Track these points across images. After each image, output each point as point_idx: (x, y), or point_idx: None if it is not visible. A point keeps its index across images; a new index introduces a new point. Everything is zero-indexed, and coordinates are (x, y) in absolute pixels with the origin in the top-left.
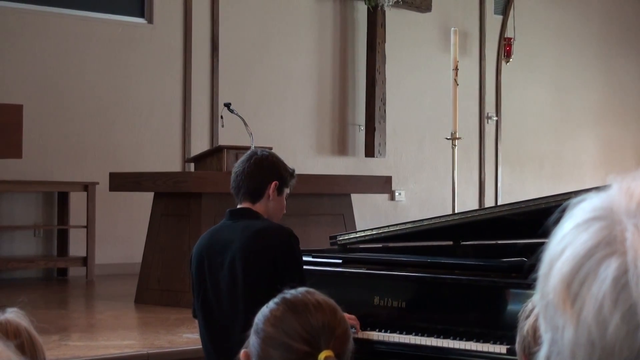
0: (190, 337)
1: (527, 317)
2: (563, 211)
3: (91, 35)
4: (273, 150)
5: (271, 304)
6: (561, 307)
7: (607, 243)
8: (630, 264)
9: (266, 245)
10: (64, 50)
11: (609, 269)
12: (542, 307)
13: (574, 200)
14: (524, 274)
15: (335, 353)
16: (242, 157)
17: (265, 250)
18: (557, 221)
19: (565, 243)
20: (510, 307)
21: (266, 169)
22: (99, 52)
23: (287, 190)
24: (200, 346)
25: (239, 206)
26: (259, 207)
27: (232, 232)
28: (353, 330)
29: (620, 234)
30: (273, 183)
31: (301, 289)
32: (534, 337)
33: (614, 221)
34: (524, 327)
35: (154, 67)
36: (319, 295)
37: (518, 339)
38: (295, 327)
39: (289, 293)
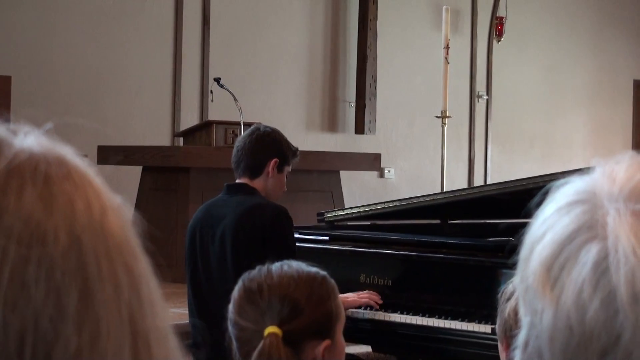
0: (176, 312)
1: (508, 299)
2: (545, 194)
3: (81, 7)
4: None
5: (237, 285)
6: (541, 291)
7: (589, 227)
8: (611, 249)
9: (256, 222)
10: (53, 22)
11: (590, 254)
12: (522, 290)
13: (556, 183)
14: (506, 255)
15: (288, 329)
16: (245, 132)
17: (255, 228)
18: (540, 204)
19: (547, 226)
20: (496, 287)
21: (267, 145)
22: (88, 24)
23: (288, 169)
24: (186, 321)
25: (237, 181)
26: (257, 183)
27: (226, 207)
28: (365, 309)
29: (602, 218)
30: (273, 160)
31: (277, 264)
32: (515, 320)
33: (596, 205)
34: (505, 309)
35: (144, 41)
36: (290, 271)
37: (499, 321)
38: (245, 309)
39: (252, 274)
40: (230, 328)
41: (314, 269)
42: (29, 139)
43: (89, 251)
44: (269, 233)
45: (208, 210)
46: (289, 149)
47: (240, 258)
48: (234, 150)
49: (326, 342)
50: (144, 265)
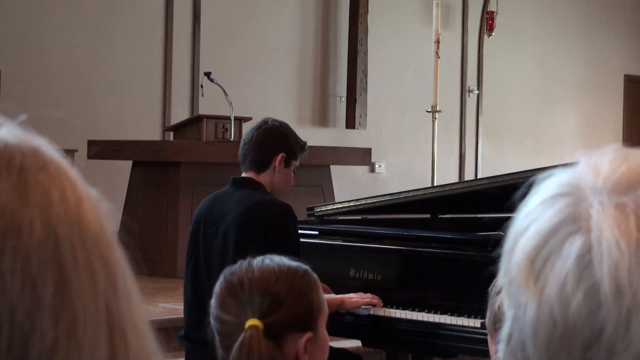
0: (166, 307)
1: (498, 292)
2: (529, 186)
3: (72, 2)
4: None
5: (219, 280)
6: (524, 284)
7: (572, 220)
8: (595, 242)
9: (259, 220)
10: (43, 16)
11: (573, 247)
12: (506, 283)
13: (540, 176)
14: (490, 248)
15: (269, 322)
16: (253, 125)
17: (258, 225)
18: (524, 196)
19: (530, 219)
20: (486, 281)
21: (274, 139)
22: (79, 19)
23: (295, 163)
24: (176, 316)
25: (243, 175)
26: (263, 178)
27: (230, 201)
28: (366, 308)
29: (586, 211)
30: (280, 155)
31: (259, 258)
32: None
33: (580, 198)
34: (495, 302)
35: (135, 35)
36: (272, 265)
37: (488, 314)
38: (227, 303)
39: (233, 268)
40: (212, 322)
41: (295, 263)
42: (3, 130)
43: (65, 242)
44: (272, 231)
45: (213, 203)
46: (296, 144)
47: (242, 255)
48: (241, 143)
49: (308, 335)
50: (119, 257)
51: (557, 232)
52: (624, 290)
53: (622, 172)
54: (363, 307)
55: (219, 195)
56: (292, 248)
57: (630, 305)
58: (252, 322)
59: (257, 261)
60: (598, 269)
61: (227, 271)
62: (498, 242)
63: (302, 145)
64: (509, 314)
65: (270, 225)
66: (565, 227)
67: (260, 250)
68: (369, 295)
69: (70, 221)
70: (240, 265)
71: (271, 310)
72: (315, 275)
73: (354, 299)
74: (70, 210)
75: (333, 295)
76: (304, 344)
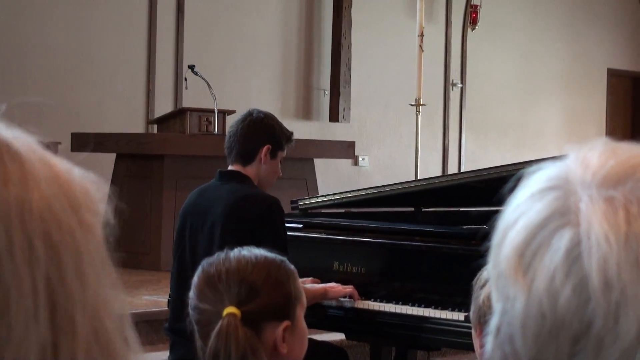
0: (149, 299)
1: (483, 286)
2: (518, 180)
3: None
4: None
5: (197, 271)
6: (513, 278)
7: (561, 213)
8: (583, 235)
9: (246, 214)
10: (25, 8)
11: (562, 240)
12: (494, 276)
13: (529, 169)
14: (479, 242)
15: (246, 310)
16: (238, 117)
17: (245, 220)
18: (512, 190)
19: (519, 212)
20: (470, 275)
21: (260, 131)
22: (62, 11)
23: (282, 154)
24: (160, 308)
25: (229, 168)
26: (249, 170)
27: (217, 195)
28: (349, 299)
29: (575, 204)
30: (265, 147)
31: (236, 250)
32: (490, 306)
33: (569, 191)
34: (480, 296)
35: (119, 27)
36: (249, 255)
37: (473, 308)
38: (205, 293)
39: (211, 259)
40: (190, 313)
41: (272, 254)
42: None
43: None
44: (259, 224)
45: (200, 196)
46: (282, 135)
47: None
48: (227, 135)
49: (285, 323)
50: (73, 238)
51: (546, 225)
52: (613, 284)
53: (611, 165)
54: (347, 299)
55: (206, 189)
56: (280, 241)
57: (618, 298)
58: (230, 309)
59: (235, 252)
60: (587, 263)
61: (205, 262)
62: (485, 236)
63: (288, 136)
64: (497, 307)
65: (257, 219)
66: (554, 221)
67: (246, 244)
68: (350, 286)
69: (8, 202)
70: (218, 257)
71: (248, 299)
72: (292, 266)
73: (336, 288)
74: (10, 191)
75: (316, 286)
76: (282, 332)
